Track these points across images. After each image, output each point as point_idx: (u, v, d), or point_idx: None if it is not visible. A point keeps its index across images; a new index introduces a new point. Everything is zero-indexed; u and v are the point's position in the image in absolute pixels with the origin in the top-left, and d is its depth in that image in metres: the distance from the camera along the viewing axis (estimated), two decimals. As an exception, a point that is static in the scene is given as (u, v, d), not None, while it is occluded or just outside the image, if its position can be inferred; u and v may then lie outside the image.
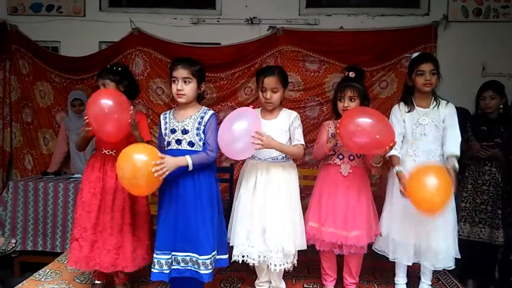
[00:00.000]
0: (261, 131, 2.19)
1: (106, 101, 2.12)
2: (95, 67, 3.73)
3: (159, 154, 2.07)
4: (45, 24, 4.17)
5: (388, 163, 2.45)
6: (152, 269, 2.18)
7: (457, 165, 2.28)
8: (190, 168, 2.13)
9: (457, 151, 2.31)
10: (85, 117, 2.14)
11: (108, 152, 2.35)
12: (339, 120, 2.23)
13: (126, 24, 3.99)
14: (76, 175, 3.58)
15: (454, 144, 2.32)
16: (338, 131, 2.18)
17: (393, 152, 2.31)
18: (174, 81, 2.22)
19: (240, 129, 2.15)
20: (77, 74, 4.07)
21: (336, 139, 2.27)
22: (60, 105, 4.09)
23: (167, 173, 2.04)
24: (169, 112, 2.32)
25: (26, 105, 4.13)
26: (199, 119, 2.23)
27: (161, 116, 2.33)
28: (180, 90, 2.19)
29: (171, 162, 2.07)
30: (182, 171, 2.14)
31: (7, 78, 4.11)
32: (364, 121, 2.13)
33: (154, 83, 4.01)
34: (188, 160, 2.12)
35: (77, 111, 3.73)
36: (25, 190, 3.37)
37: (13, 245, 2.98)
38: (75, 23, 4.17)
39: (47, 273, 2.69)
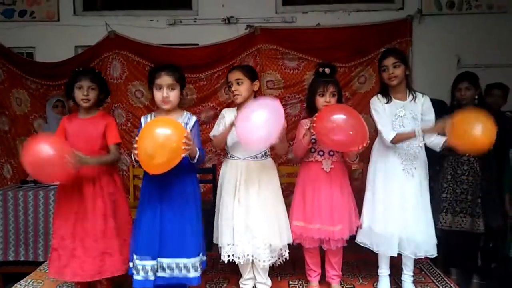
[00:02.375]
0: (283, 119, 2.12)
1: (43, 153, 2.03)
2: (71, 72, 3.66)
3: (187, 131, 2.03)
4: (19, 30, 4.10)
5: (366, 157, 2.48)
6: (135, 276, 2.13)
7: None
8: (195, 161, 2.13)
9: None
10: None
11: None
12: (315, 116, 2.24)
13: (101, 27, 3.95)
14: (56, 182, 3.51)
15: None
16: (314, 126, 2.19)
17: (392, 134, 2.37)
18: (158, 88, 2.21)
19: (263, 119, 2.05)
20: (53, 80, 4.00)
21: (312, 133, 2.28)
22: (37, 112, 4.02)
23: (187, 152, 2.00)
24: (151, 116, 2.30)
25: (2, 113, 4.04)
26: (183, 125, 2.20)
27: (142, 120, 2.30)
28: (167, 97, 2.19)
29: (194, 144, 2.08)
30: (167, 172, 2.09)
31: (-18, 87, 4.02)
32: (340, 117, 2.15)
33: (133, 86, 3.97)
34: (197, 153, 2.13)
35: (60, 113, 3.68)
36: (4, 199, 3.29)
37: None
38: (49, 28, 4.12)
39: (28, 283, 2.64)
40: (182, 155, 1.97)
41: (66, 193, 2.29)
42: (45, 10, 4.12)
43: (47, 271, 2.63)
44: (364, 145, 2.15)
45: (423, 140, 2.40)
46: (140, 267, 2.12)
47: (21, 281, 2.66)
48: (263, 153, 2.39)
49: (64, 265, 2.22)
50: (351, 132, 2.13)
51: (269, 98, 2.22)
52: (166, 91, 2.19)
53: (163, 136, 1.95)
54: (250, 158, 2.35)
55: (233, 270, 2.60)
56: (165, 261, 2.15)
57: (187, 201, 2.20)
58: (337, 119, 2.15)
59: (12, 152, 4.05)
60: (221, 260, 2.31)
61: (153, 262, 2.12)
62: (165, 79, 2.19)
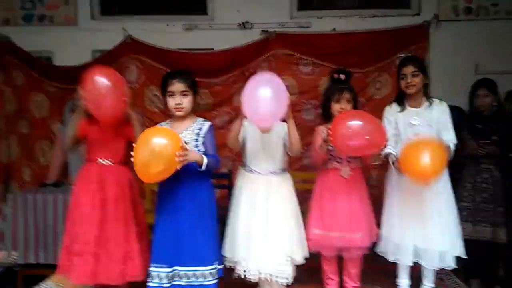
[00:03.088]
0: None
1: (102, 79, 2.13)
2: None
3: (182, 142, 2.05)
4: (38, 34, 4.16)
5: (387, 165, 2.47)
6: (150, 283, 2.14)
7: (452, 147, 2.34)
8: (203, 168, 2.12)
9: (453, 140, 2.38)
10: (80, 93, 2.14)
11: (104, 161, 2.34)
12: (329, 126, 2.24)
13: (118, 32, 3.99)
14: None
15: (450, 135, 2.39)
16: (330, 136, 2.19)
17: (387, 150, 2.35)
18: (170, 95, 2.22)
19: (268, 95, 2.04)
20: (71, 84, 4.01)
21: (328, 143, 2.28)
22: (56, 115, 4.07)
23: (185, 162, 2.01)
24: (167, 124, 2.31)
25: (22, 116, 4.09)
26: (196, 131, 2.25)
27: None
28: (180, 104, 2.20)
29: (192, 153, 2.10)
30: (181, 179, 2.13)
31: (1, 90, 4.08)
32: (355, 123, 2.15)
33: (149, 91, 4.00)
34: (204, 159, 2.12)
35: None
36: (24, 202, 3.33)
37: (15, 258, 2.96)
38: (67, 33, 4.17)
39: (48, 286, 2.67)
40: (178, 167, 1.99)
41: (88, 197, 2.29)
42: (64, 14, 4.18)
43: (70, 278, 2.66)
44: (383, 146, 2.14)
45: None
46: (155, 274, 2.14)
47: (41, 284, 2.69)
48: (281, 168, 2.36)
49: (90, 270, 2.23)
50: (367, 137, 2.13)
51: (267, 74, 2.22)
52: (179, 98, 2.20)
53: (158, 146, 1.97)
54: (271, 173, 2.33)
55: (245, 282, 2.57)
56: (182, 269, 2.15)
57: (203, 208, 2.20)
58: (352, 125, 2.15)
59: (32, 155, 4.10)
60: (236, 276, 2.28)
61: (169, 270, 2.13)
62: (177, 86, 2.20)
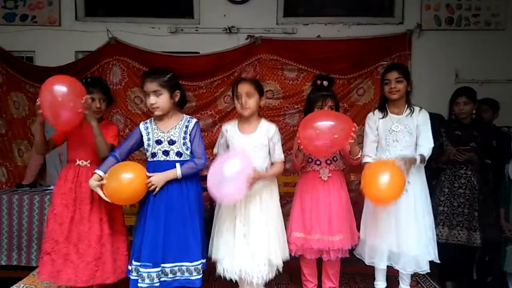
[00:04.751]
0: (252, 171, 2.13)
1: (59, 87, 2.09)
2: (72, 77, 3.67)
3: (146, 173, 2.14)
4: (19, 34, 4.10)
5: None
6: (140, 284, 2.09)
7: (418, 159, 2.36)
8: (179, 177, 2.16)
9: (426, 152, 2.40)
10: (37, 101, 2.10)
11: (82, 163, 2.32)
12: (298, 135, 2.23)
13: (102, 33, 3.96)
14: (52, 187, 3.50)
15: (425, 146, 2.41)
16: (299, 142, 2.18)
17: (367, 159, 2.38)
18: (146, 95, 2.21)
19: (233, 171, 2.06)
20: (52, 85, 3.99)
21: (303, 152, 2.29)
22: (35, 115, 3.97)
23: (157, 189, 2.12)
24: (150, 122, 2.28)
25: (-1, 116, 4.03)
26: (184, 128, 2.24)
27: (141, 126, 2.28)
28: (153, 103, 2.18)
29: (159, 179, 2.13)
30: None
31: (-20, 89, 4.00)
32: (318, 123, 2.13)
33: (132, 93, 3.97)
34: (178, 171, 2.15)
35: None
36: (-2, 203, 3.27)
37: None
38: (50, 33, 4.12)
39: (21, 289, 2.61)
40: (154, 194, 2.14)
41: (63, 197, 2.28)
42: (47, 14, 4.13)
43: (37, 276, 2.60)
44: (353, 134, 2.13)
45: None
46: (145, 275, 2.10)
47: (14, 286, 2.62)
48: (263, 167, 2.34)
49: (57, 270, 2.20)
50: (334, 135, 2.11)
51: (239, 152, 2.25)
52: (152, 98, 2.18)
53: (127, 180, 2.08)
54: None
55: (229, 282, 2.56)
56: (168, 265, 2.13)
57: (191, 207, 2.20)
58: (316, 126, 2.13)
59: (8, 155, 4.03)
60: (217, 274, 2.28)
61: (158, 269, 2.11)
62: (148, 86, 2.18)
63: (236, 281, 2.29)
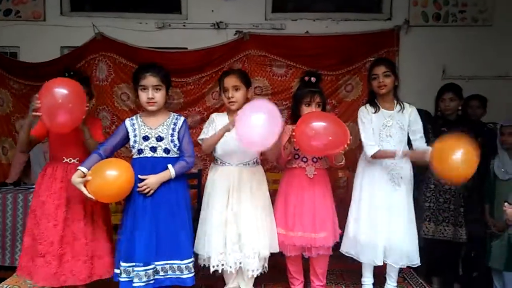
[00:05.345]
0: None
1: (64, 91, 2.03)
2: (57, 73, 3.60)
3: (140, 176, 2.12)
4: (3, 29, 4.03)
5: (352, 166, 2.49)
6: (137, 284, 2.06)
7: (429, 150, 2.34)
8: (173, 176, 2.16)
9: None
10: (37, 101, 2.00)
11: (70, 160, 2.28)
12: (293, 128, 2.24)
13: (88, 28, 3.91)
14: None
15: (423, 140, 2.45)
16: (294, 136, 2.18)
17: (373, 148, 2.39)
18: (143, 89, 2.17)
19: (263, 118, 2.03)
20: (37, 80, 3.89)
21: (292, 145, 2.28)
22: (20, 112, 3.94)
23: (151, 192, 2.11)
24: (136, 119, 2.25)
25: (-18, 113, 3.96)
26: (172, 126, 2.22)
27: (127, 123, 2.24)
28: (152, 98, 2.16)
29: (153, 182, 2.12)
30: None
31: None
32: (318, 124, 2.14)
33: (119, 89, 3.92)
34: (171, 172, 2.14)
35: None
36: (-18, 201, 3.20)
37: None
38: (35, 28, 4.05)
39: (5, 289, 2.57)
40: (148, 194, 2.12)
41: (53, 197, 2.22)
42: (31, 9, 4.06)
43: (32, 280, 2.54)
44: (346, 146, 2.14)
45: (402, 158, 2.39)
46: (142, 273, 2.07)
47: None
48: (254, 160, 2.37)
49: (54, 272, 2.15)
50: (330, 137, 2.12)
51: (265, 100, 2.20)
52: (152, 92, 2.16)
53: (112, 177, 2.05)
54: (243, 164, 2.33)
55: (216, 277, 2.55)
56: (159, 263, 2.12)
57: (179, 205, 2.19)
58: (315, 126, 2.14)
59: (-8, 153, 3.97)
60: (212, 270, 2.26)
61: (151, 267, 2.09)
62: (150, 80, 2.15)
63: (222, 277, 2.30)
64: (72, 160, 2.28)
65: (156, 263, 2.11)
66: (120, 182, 2.05)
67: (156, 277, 2.12)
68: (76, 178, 2.04)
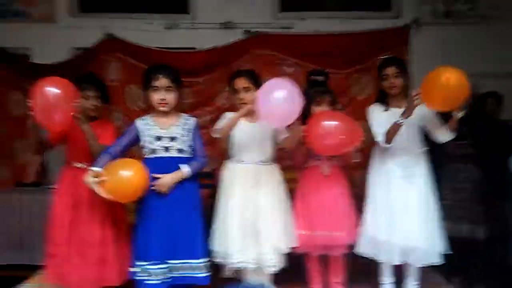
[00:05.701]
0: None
1: (51, 89, 2.05)
2: (68, 74, 3.63)
3: (154, 175, 2.12)
4: (14, 31, 4.06)
5: (367, 164, 2.50)
6: (152, 281, 2.09)
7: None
8: (187, 176, 2.18)
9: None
10: (29, 101, 2.04)
11: (79, 165, 2.31)
12: (305, 129, 2.24)
13: (98, 29, 3.91)
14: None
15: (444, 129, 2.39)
16: (306, 137, 2.20)
17: (381, 134, 2.38)
18: (155, 90, 2.18)
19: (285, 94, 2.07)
20: (49, 81, 3.95)
21: (306, 146, 2.30)
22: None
23: (168, 190, 2.14)
24: (147, 119, 2.26)
25: (-1, 115, 3.97)
26: (184, 126, 2.25)
27: (138, 123, 2.26)
28: (164, 99, 2.17)
29: (169, 180, 2.14)
30: None
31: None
32: (330, 123, 2.16)
33: (130, 89, 3.94)
34: (185, 171, 2.16)
35: None
36: (-1, 201, 3.25)
37: None
38: (45, 29, 4.09)
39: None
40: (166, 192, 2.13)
41: (62, 198, 2.27)
42: (42, 11, 4.09)
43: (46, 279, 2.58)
44: (359, 143, 2.15)
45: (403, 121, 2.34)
46: (158, 271, 2.10)
47: (18, 286, 2.59)
48: (270, 158, 2.39)
49: (63, 272, 2.20)
50: (342, 136, 2.14)
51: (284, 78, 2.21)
52: (163, 93, 2.17)
53: (129, 176, 2.05)
54: (260, 162, 2.35)
55: (231, 277, 2.56)
56: (175, 262, 2.14)
57: (193, 204, 2.22)
58: (327, 125, 2.16)
59: (9, 154, 3.96)
60: (234, 267, 2.28)
61: (165, 265, 2.12)
62: (162, 81, 2.17)
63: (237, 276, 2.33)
64: (81, 164, 2.30)
65: (172, 261, 2.13)
66: (138, 181, 2.06)
67: (174, 274, 2.14)
68: (90, 178, 2.02)
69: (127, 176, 2.05)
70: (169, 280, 2.13)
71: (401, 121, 2.30)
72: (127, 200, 2.24)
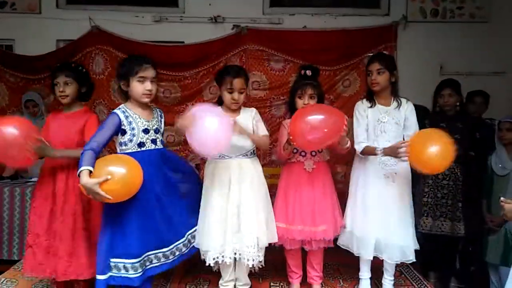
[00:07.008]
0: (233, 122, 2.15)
1: (7, 129, 1.99)
2: (52, 66, 3.55)
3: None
4: (-2, 22, 3.98)
5: (351, 161, 2.49)
6: (149, 266, 2.08)
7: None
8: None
9: None
10: None
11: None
12: (288, 127, 2.22)
13: (85, 21, 3.87)
14: (34, 179, 3.43)
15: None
16: (290, 134, 2.17)
17: (361, 146, 2.38)
18: (141, 80, 2.10)
19: (216, 124, 2.03)
20: (33, 74, 3.90)
21: (292, 146, 2.28)
22: (16, 105, 3.91)
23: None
24: (128, 111, 2.13)
25: (-22, 106, 3.92)
26: (159, 118, 2.24)
27: (121, 115, 2.10)
28: (151, 90, 2.12)
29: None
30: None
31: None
32: (311, 117, 2.10)
33: (115, 83, 3.89)
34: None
35: (31, 113, 3.59)
36: (-22, 195, 3.18)
37: None
38: (30, 21, 4.02)
39: (2, 282, 2.56)
40: None
41: (42, 188, 2.24)
42: (27, 2, 4.02)
43: (21, 270, 2.56)
44: (344, 130, 2.11)
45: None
46: (160, 255, 2.12)
47: (-8, 279, 2.57)
48: (251, 151, 2.38)
49: (39, 263, 2.17)
50: (326, 130, 2.09)
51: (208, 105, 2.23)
52: (150, 84, 2.12)
53: (132, 174, 1.96)
54: (242, 156, 2.33)
55: (213, 271, 2.55)
56: (165, 250, 2.15)
57: (168, 185, 2.21)
58: (309, 120, 2.10)
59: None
60: (213, 262, 2.26)
61: (165, 250, 2.15)
62: (150, 72, 2.11)
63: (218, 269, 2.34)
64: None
65: (163, 249, 2.14)
66: (139, 178, 1.97)
67: (168, 260, 2.16)
68: (89, 180, 1.83)
69: (130, 174, 1.94)
70: (171, 261, 2.17)
71: (379, 153, 2.32)
72: (126, 198, 2.03)
